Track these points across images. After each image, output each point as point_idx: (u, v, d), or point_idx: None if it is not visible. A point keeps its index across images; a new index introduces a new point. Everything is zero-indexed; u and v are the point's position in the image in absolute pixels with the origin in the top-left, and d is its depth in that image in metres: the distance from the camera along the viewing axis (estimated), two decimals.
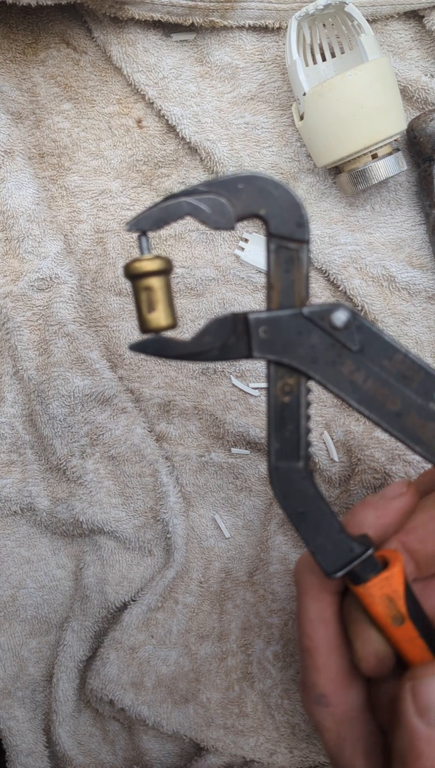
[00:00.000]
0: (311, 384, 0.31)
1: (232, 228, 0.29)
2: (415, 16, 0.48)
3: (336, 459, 0.49)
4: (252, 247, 0.49)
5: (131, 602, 0.50)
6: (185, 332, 0.50)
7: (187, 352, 0.30)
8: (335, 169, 0.48)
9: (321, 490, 0.31)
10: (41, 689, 0.52)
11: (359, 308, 0.48)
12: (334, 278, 0.48)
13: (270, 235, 0.29)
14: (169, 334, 0.31)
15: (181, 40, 0.49)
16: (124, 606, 0.51)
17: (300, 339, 0.30)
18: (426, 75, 0.48)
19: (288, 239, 0.29)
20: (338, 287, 0.48)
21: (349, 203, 0.49)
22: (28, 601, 0.52)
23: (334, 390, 0.30)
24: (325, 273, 0.48)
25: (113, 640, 0.49)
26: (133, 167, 0.51)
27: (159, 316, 0.30)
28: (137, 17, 0.47)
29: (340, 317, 0.29)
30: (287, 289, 0.29)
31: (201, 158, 0.49)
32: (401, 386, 0.30)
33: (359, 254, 0.48)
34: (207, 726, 0.48)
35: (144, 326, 0.30)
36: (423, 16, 0.47)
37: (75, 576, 0.52)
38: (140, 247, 0.30)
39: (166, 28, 0.49)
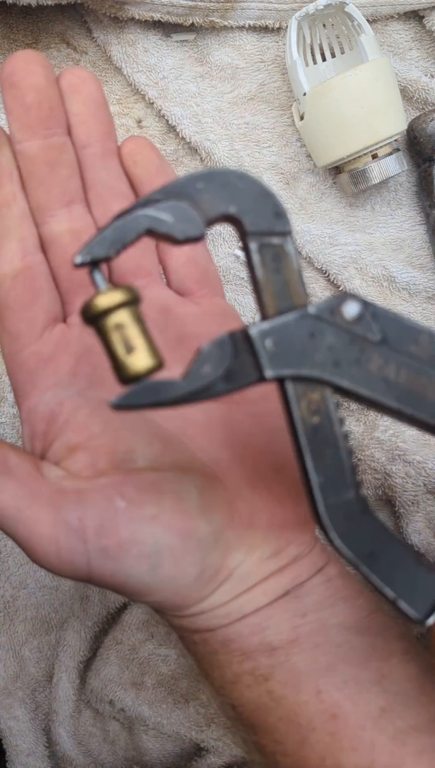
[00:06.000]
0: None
1: (202, 235, 0.25)
2: (415, 16, 0.48)
3: None
4: None
5: (131, 602, 0.50)
6: None
7: (188, 390, 0.25)
8: (335, 169, 0.48)
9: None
10: (42, 689, 0.52)
11: None
12: (334, 278, 0.48)
13: (247, 234, 0.26)
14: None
15: (181, 40, 0.49)
16: (125, 606, 0.51)
17: (315, 342, 0.26)
18: (426, 75, 0.48)
19: (269, 234, 0.26)
20: (338, 287, 0.48)
21: (349, 203, 0.49)
22: (29, 601, 0.52)
23: (367, 394, 0.26)
24: (325, 273, 0.48)
25: (114, 640, 0.49)
26: None
27: (141, 356, 0.24)
28: (137, 17, 0.47)
29: (351, 308, 0.26)
30: (282, 291, 0.26)
31: (201, 158, 0.49)
32: None
33: (359, 254, 0.48)
34: (207, 726, 0.48)
35: (126, 374, 0.25)
36: (423, 17, 0.47)
37: None
38: (95, 283, 0.25)
39: (166, 28, 0.49)
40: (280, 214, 0.26)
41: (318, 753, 0.33)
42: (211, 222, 0.26)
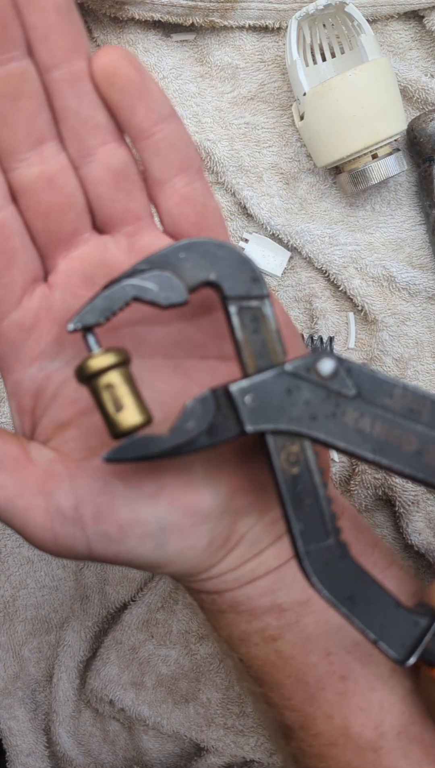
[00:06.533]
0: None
1: (185, 301, 0.27)
2: (415, 16, 0.48)
3: (336, 459, 0.49)
4: (252, 247, 0.49)
5: (131, 602, 0.50)
6: None
7: (173, 444, 0.27)
8: (335, 169, 0.48)
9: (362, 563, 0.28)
10: (42, 689, 0.52)
11: (359, 308, 0.48)
12: (334, 278, 0.48)
13: (227, 299, 0.28)
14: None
15: (181, 40, 0.49)
16: (125, 606, 0.51)
17: (291, 398, 0.27)
18: (426, 75, 0.48)
19: (247, 298, 0.28)
20: (338, 287, 0.48)
21: (349, 203, 0.49)
22: (29, 601, 0.52)
23: (343, 446, 0.27)
24: (325, 273, 0.48)
25: (114, 640, 0.49)
26: None
27: (130, 414, 0.27)
28: (137, 17, 0.47)
29: (326, 365, 0.27)
30: (261, 350, 0.28)
31: (201, 158, 0.49)
32: (411, 422, 0.27)
33: (359, 254, 0.48)
34: (207, 726, 0.48)
35: (116, 430, 0.27)
36: (423, 16, 0.47)
37: (76, 576, 0.52)
38: (88, 346, 0.27)
39: (166, 28, 0.49)
40: (257, 279, 0.28)
41: (325, 711, 0.32)
42: (193, 289, 0.27)
